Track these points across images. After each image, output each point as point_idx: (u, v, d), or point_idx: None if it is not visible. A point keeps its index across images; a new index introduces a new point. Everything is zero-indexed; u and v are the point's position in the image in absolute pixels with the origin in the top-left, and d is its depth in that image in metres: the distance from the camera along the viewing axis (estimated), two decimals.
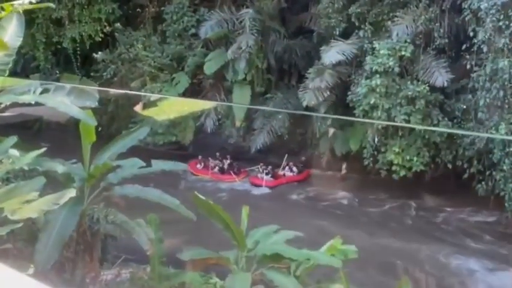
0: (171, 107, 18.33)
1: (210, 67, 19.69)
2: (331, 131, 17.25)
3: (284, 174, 18.74)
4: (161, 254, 8.19)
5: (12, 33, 7.52)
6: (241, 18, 19.37)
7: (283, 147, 19.31)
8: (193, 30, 20.84)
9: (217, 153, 19.35)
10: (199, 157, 19.29)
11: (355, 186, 17.58)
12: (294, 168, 18.80)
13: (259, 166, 18.66)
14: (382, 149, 16.03)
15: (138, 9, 22.77)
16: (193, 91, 20.31)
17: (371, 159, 16.21)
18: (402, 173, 15.60)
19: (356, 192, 17.31)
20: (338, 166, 18.10)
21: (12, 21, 7.59)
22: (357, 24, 17.04)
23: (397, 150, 15.56)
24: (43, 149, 6.83)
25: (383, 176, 16.07)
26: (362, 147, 16.53)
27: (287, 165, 18.85)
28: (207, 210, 7.82)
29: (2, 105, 7.29)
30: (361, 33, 16.80)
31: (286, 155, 18.83)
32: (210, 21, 20.11)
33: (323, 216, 15.84)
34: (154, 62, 20.61)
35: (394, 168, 15.72)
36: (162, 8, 21.47)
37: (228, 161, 19.11)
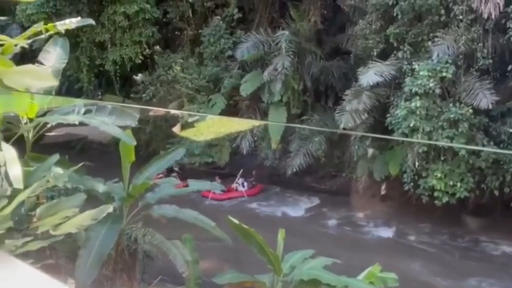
0: (208, 128, 18.51)
1: (246, 88, 19.81)
2: (370, 151, 16.83)
3: (236, 189, 19.34)
4: (197, 275, 8.13)
5: (57, 57, 7.82)
6: (277, 40, 19.47)
7: (319, 170, 19.03)
8: (229, 52, 21.14)
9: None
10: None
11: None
12: (245, 184, 19.46)
13: (215, 180, 18.79)
14: (423, 174, 15.46)
15: (177, 32, 23.40)
16: (230, 112, 20.46)
17: (411, 184, 15.66)
18: (445, 199, 14.95)
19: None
20: (376, 190, 17.63)
21: (57, 45, 7.92)
22: (395, 45, 16.75)
23: (439, 175, 14.94)
24: (80, 164, 6.99)
25: (424, 202, 15.44)
26: (402, 172, 16.02)
27: (241, 179, 19.48)
28: (241, 234, 7.73)
29: (49, 125, 7.53)
30: (399, 54, 16.48)
31: (241, 170, 19.37)
32: (246, 43, 20.34)
33: None
34: (192, 83, 20.97)
35: (436, 194, 15.10)
36: (200, 31, 21.96)
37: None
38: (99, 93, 23.67)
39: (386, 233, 16.66)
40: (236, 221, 7.51)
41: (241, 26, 21.73)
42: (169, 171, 16.58)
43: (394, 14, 16.39)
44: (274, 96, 19.13)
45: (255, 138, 19.78)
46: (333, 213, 17.86)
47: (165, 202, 8.39)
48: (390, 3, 16.38)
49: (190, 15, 22.57)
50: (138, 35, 21.58)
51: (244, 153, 19.60)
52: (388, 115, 16.30)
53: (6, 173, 5.91)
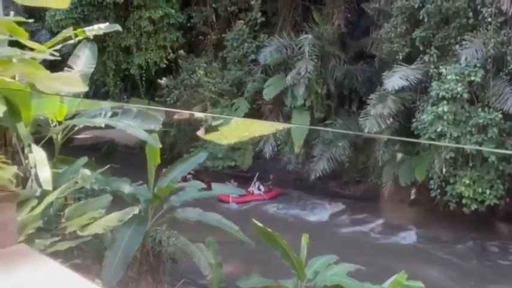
0: (232, 132, 18.53)
1: (269, 92, 19.80)
2: (399, 156, 16.51)
3: (252, 192, 19.36)
4: (220, 278, 8.13)
5: (86, 61, 7.98)
6: (300, 44, 19.40)
7: (343, 176, 18.78)
8: (252, 56, 21.19)
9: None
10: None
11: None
12: (261, 187, 19.49)
13: (230, 183, 18.53)
14: (451, 180, 15.09)
15: (201, 37, 23.61)
16: (253, 116, 20.47)
17: (438, 190, 15.29)
18: (474, 206, 14.54)
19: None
20: (402, 196, 17.29)
21: (86, 50, 8.08)
22: (421, 48, 16.47)
23: (467, 182, 14.57)
24: (107, 167, 7.10)
25: (452, 209, 15.06)
26: (428, 178, 15.67)
27: (258, 183, 19.46)
28: (265, 237, 7.69)
29: (76, 128, 7.68)
30: (426, 57, 16.20)
31: (257, 174, 19.39)
32: (270, 47, 20.36)
33: None
34: (215, 87, 21.10)
35: (464, 201, 14.71)
36: (223, 35, 22.11)
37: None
38: (125, 97, 24.06)
39: (411, 239, 16.31)
40: (260, 225, 7.48)
41: (264, 30, 21.77)
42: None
43: (420, 17, 16.14)
44: (298, 100, 19.05)
45: (278, 142, 19.73)
46: (357, 218, 17.60)
47: (189, 205, 8.44)
48: (416, 6, 16.15)
49: (214, 19, 22.76)
50: (162, 40, 21.86)
51: (267, 157, 19.58)
52: (414, 120, 16.02)
53: (36, 175, 6.04)
